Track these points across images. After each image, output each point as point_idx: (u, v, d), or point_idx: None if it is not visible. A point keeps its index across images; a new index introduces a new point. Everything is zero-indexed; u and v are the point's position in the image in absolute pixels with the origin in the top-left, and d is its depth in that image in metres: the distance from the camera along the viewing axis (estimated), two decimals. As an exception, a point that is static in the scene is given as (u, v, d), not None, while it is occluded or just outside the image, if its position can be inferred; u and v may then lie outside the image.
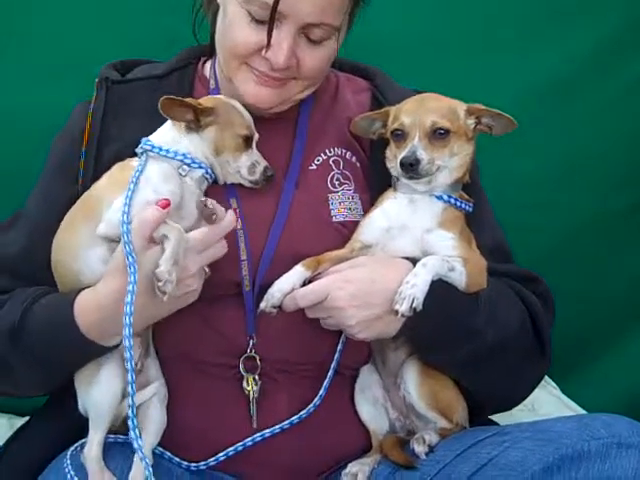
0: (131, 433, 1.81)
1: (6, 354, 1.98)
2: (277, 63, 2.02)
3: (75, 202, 2.06)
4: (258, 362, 2.03)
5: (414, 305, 1.87)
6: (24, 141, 2.75)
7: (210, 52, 2.27)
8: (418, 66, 2.74)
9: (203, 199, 1.93)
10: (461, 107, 2.02)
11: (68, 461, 1.94)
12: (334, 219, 2.10)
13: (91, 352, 1.95)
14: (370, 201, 2.13)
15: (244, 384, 2.03)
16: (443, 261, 1.93)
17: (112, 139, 2.12)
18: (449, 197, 2.02)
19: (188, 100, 2.00)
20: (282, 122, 2.19)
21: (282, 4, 1.95)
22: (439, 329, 1.96)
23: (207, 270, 1.95)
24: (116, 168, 2.04)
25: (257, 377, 2.03)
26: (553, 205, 2.98)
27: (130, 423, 1.82)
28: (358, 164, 2.19)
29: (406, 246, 1.99)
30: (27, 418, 2.89)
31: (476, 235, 2.07)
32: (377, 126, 2.11)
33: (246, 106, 2.08)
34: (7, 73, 2.78)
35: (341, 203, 2.12)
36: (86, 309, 1.92)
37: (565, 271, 2.91)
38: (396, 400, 2.08)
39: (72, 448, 1.98)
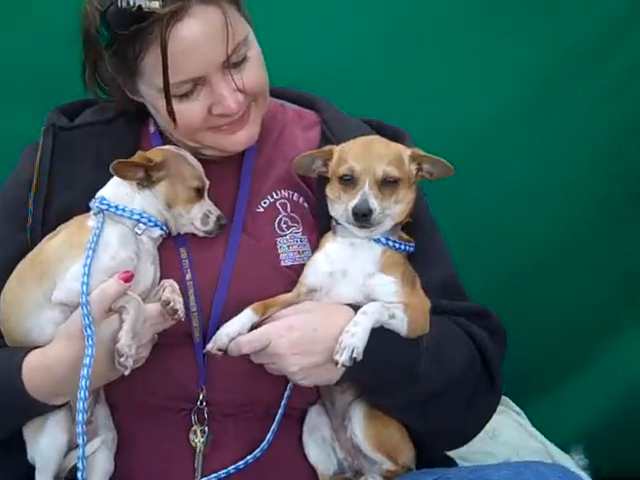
0: None
1: None
2: (232, 109, 2.02)
3: (24, 250, 2.06)
4: (205, 415, 2.04)
5: (354, 355, 1.87)
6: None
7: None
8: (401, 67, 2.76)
9: (165, 299, 1.92)
10: (406, 153, 2.02)
11: None
12: (282, 263, 2.09)
13: (36, 410, 1.97)
14: (318, 242, 2.11)
15: (191, 436, 2.04)
16: (384, 308, 1.93)
17: (61, 188, 2.13)
18: (387, 240, 2.01)
19: (138, 159, 2.00)
20: (226, 165, 2.18)
21: (189, 70, 1.95)
22: (380, 376, 1.96)
23: (156, 337, 1.97)
24: (72, 227, 2.02)
25: (206, 428, 2.03)
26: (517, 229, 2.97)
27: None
28: (306, 204, 2.18)
29: (349, 291, 1.99)
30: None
31: (424, 272, 2.07)
32: (318, 164, 2.09)
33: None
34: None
35: (290, 247, 2.12)
36: (34, 370, 1.93)
37: (527, 300, 2.94)
38: (344, 441, 2.08)
39: None
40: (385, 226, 1.99)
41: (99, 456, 2.00)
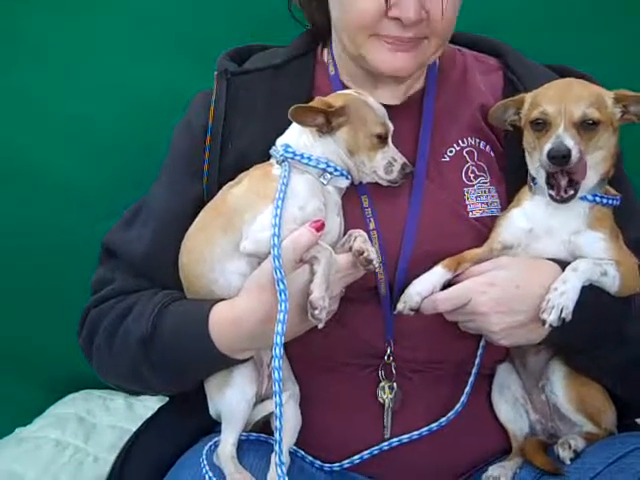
0: (276, 448, 1.79)
1: (137, 361, 1.96)
2: (408, 18, 1.89)
3: (199, 200, 2.02)
4: (393, 370, 1.98)
5: (563, 315, 1.77)
6: (145, 120, 2.75)
7: (326, 37, 2.16)
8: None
9: (358, 248, 1.83)
10: (608, 95, 1.87)
11: (205, 461, 1.91)
12: (471, 215, 1.99)
13: (221, 364, 1.92)
14: (507, 193, 2.01)
15: (379, 392, 1.98)
16: (595, 265, 1.82)
17: (235, 135, 2.05)
18: (594, 196, 1.88)
19: (318, 105, 1.90)
20: (406, 110, 2.07)
21: None
22: (588, 338, 1.87)
23: (343, 290, 1.90)
24: (256, 176, 1.95)
25: (394, 385, 1.97)
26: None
27: (276, 452, 1.80)
28: (492, 154, 2.07)
29: (551, 248, 1.88)
30: (142, 397, 2.93)
31: (623, 228, 1.94)
32: (510, 113, 1.96)
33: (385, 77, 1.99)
34: (127, 50, 2.78)
35: (477, 197, 2.01)
36: (221, 323, 1.87)
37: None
38: (537, 402, 2.00)
39: (206, 447, 1.96)
40: (590, 182, 1.86)
41: (288, 411, 1.92)
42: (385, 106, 2.00)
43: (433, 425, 1.95)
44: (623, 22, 2.70)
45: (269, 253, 1.81)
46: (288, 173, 1.89)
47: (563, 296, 1.78)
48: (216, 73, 2.10)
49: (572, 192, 1.82)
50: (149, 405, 2.92)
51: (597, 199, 1.89)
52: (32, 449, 2.74)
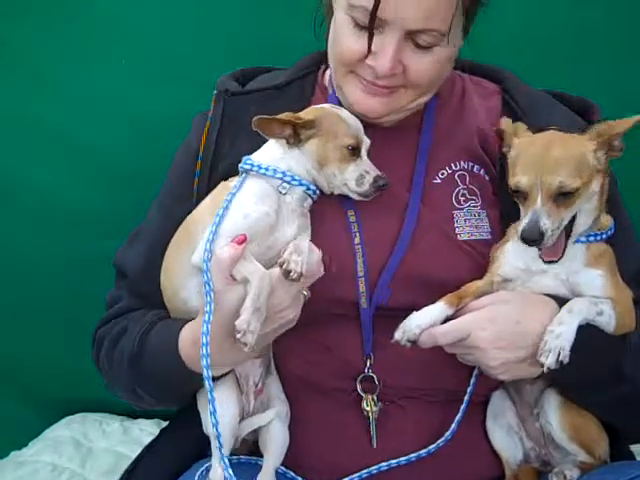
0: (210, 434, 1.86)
1: (130, 378, 2.04)
2: (381, 71, 1.91)
3: None
4: (376, 382, 1.98)
5: (561, 357, 1.76)
6: (151, 145, 2.74)
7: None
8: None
9: (282, 260, 1.80)
10: (589, 148, 1.81)
11: None
12: (459, 237, 1.99)
13: (198, 381, 1.89)
14: (499, 217, 2.01)
15: (363, 404, 1.99)
16: (591, 304, 1.81)
17: (225, 154, 2.06)
18: (588, 237, 1.87)
19: (283, 116, 1.90)
20: (405, 131, 2.08)
21: (384, 10, 1.84)
22: (585, 374, 1.86)
23: (306, 293, 1.87)
24: (217, 189, 1.98)
25: (376, 397, 1.98)
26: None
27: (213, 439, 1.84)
28: (487, 177, 2.06)
29: (550, 285, 1.88)
30: (138, 421, 2.92)
31: (620, 259, 1.92)
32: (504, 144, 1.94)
33: (358, 116, 1.98)
34: (133, 76, 2.77)
35: (466, 221, 2.02)
36: (186, 343, 1.92)
37: None
38: (532, 430, 2.00)
39: (198, 473, 1.99)
40: (582, 227, 1.85)
41: (274, 428, 1.97)
42: (383, 128, 2.02)
43: (422, 452, 1.95)
44: (623, 48, 2.70)
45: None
46: (240, 183, 1.91)
47: (559, 338, 1.77)
48: (215, 93, 2.11)
49: (560, 255, 1.81)
50: (145, 428, 2.95)
51: (591, 239, 1.88)
52: (29, 473, 2.74)
